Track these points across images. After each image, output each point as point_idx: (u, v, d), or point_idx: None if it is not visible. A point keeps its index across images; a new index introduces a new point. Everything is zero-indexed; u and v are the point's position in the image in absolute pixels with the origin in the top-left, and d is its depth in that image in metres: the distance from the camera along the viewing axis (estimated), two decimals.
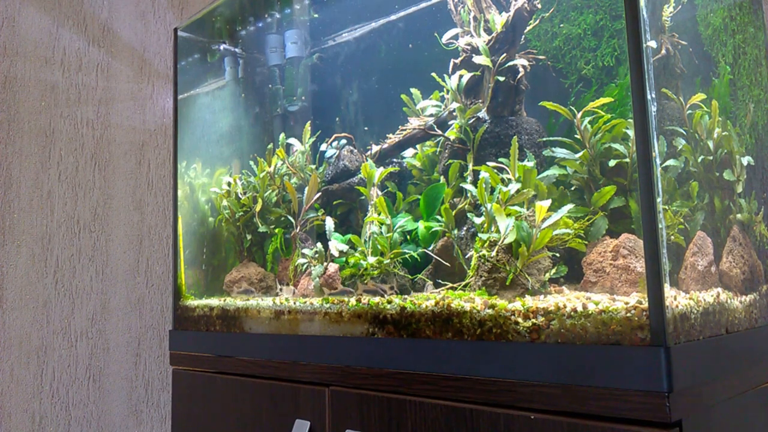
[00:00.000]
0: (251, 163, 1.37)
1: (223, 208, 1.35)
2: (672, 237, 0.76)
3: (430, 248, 1.00)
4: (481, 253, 0.85)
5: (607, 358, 0.62)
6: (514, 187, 0.85)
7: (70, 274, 1.38)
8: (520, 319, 0.71)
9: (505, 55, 0.98)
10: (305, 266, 1.15)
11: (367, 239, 1.05)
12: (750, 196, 0.92)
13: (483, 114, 1.00)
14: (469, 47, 1.02)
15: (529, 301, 0.74)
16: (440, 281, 0.98)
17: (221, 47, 1.49)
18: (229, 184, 1.36)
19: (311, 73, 1.45)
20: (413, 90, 1.14)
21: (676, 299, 0.66)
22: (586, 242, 0.82)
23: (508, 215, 0.84)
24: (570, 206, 0.82)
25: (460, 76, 1.02)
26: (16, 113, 1.37)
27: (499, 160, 0.90)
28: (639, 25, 0.64)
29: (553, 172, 0.88)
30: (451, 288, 0.93)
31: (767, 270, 0.94)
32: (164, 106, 1.58)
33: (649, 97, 0.63)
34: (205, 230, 1.40)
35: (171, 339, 1.25)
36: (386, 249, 1.01)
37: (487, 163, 0.90)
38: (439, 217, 1.00)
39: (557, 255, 0.85)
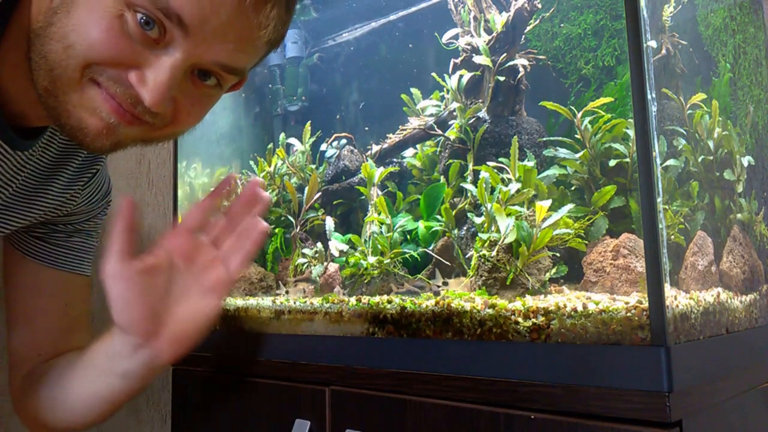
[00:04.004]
0: (251, 162, 1.37)
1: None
2: (672, 237, 0.76)
3: (430, 248, 1.00)
4: (481, 253, 0.85)
5: (608, 358, 0.62)
6: (514, 186, 0.85)
7: None
8: (520, 319, 0.71)
9: (505, 54, 0.98)
10: (305, 266, 1.15)
11: (367, 239, 1.05)
12: (750, 196, 0.92)
13: (483, 114, 1.00)
14: (469, 47, 1.02)
15: (530, 301, 0.74)
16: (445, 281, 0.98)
17: None
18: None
19: (311, 73, 1.45)
20: (413, 90, 1.14)
21: (676, 299, 0.66)
22: (586, 242, 0.82)
23: (509, 215, 0.84)
24: (570, 206, 0.82)
25: (460, 76, 1.02)
26: None
27: (499, 159, 0.90)
28: (639, 25, 0.64)
29: (553, 171, 0.88)
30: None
31: (767, 270, 0.94)
32: None
33: (649, 96, 0.63)
34: None
35: None
36: (386, 249, 1.01)
37: (487, 162, 0.91)
38: (439, 217, 1.00)
39: (557, 255, 0.85)
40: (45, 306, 0.85)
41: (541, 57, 1.01)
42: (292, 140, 1.31)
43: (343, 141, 1.28)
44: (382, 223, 1.05)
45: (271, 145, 1.33)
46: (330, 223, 1.12)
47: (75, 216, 0.85)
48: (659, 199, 0.63)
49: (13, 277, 0.85)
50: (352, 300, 0.92)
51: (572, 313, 0.67)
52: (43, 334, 0.85)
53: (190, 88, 0.60)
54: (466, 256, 0.93)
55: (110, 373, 0.73)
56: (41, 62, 0.56)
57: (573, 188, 0.88)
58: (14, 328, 0.86)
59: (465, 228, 0.96)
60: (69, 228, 0.85)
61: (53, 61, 0.55)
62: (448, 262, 0.98)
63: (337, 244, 1.09)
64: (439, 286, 0.95)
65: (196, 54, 0.56)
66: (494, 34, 0.98)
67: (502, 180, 0.88)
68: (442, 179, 1.03)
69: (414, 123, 1.12)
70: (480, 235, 0.86)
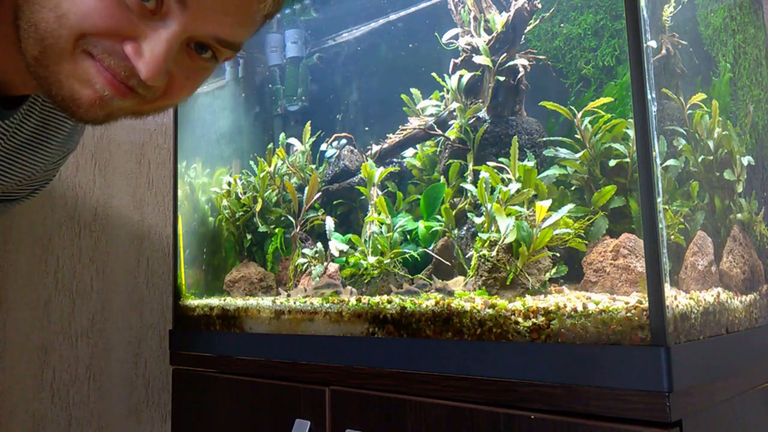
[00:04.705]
0: (251, 162, 1.37)
1: (223, 207, 1.35)
2: (672, 237, 0.76)
3: (430, 248, 1.00)
4: (481, 253, 0.85)
5: (608, 358, 0.62)
6: (514, 186, 0.85)
7: (71, 274, 1.38)
8: (520, 319, 0.71)
9: (505, 54, 0.97)
10: (305, 266, 1.15)
11: (367, 239, 1.05)
12: (750, 196, 0.92)
13: (483, 114, 1.00)
14: (469, 47, 1.02)
15: (530, 301, 0.74)
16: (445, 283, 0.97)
17: None
18: (229, 183, 1.36)
19: (311, 73, 1.45)
20: (413, 90, 1.14)
21: (676, 299, 0.66)
22: (586, 242, 0.82)
23: (509, 215, 0.84)
24: (570, 206, 0.82)
25: (460, 76, 1.02)
26: None
27: (499, 159, 0.90)
28: (639, 25, 0.64)
29: (554, 171, 0.88)
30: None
31: (767, 270, 0.94)
32: None
33: (649, 96, 0.63)
34: (205, 230, 1.40)
35: (171, 338, 1.25)
36: (386, 249, 1.01)
37: (488, 162, 0.90)
38: (439, 217, 1.00)
39: (557, 255, 0.85)
40: None
41: (541, 57, 1.01)
42: (292, 140, 1.31)
43: (343, 141, 1.28)
44: (382, 223, 1.05)
45: (271, 145, 1.33)
46: (330, 223, 1.12)
47: (19, 193, 0.82)
48: (659, 199, 0.63)
49: None
50: (352, 300, 0.92)
51: (572, 313, 0.67)
52: None
53: (185, 61, 0.58)
54: (466, 256, 0.93)
55: None
56: (30, 30, 0.53)
57: (573, 188, 0.87)
58: None
59: (465, 228, 0.95)
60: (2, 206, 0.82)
61: (44, 30, 0.52)
62: (448, 262, 0.97)
63: (337, 244, 1.09)
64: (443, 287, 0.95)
65: (194, 27, 0.55)
66: (494, 34, 0.98)
67: (502, 180, 0.88)
68: (442, 179, 1.03)
69: (414, 123, 1.12)
70: (480, 235, 0.86)
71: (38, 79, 0.56)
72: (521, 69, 0.97)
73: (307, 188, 1.21)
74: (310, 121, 1.30)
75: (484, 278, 0.84)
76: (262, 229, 1.28)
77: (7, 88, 0.65)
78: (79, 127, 0.82)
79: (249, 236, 1.31)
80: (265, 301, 1.08)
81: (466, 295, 0.83)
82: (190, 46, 0.58)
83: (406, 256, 1.01)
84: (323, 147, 1.30)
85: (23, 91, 0.67)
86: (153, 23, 0.54)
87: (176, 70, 0.58)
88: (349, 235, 1.10)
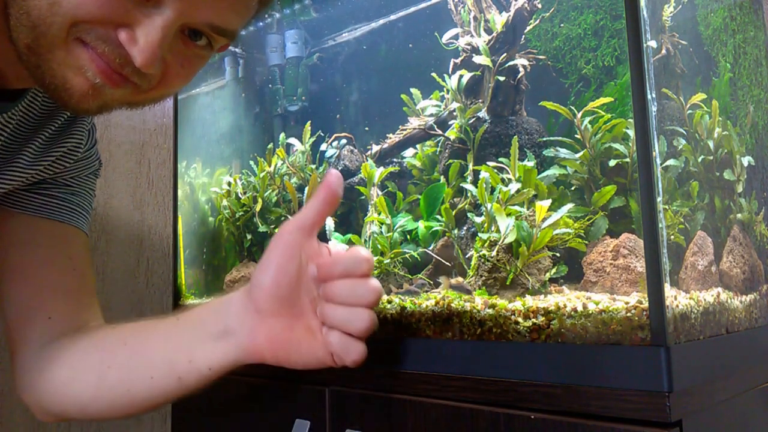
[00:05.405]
0: (251, 162, 1.37)
1: (223, 207, 1.35)
2: (672, 237, 0.76)
3: (430, 248, 1.00)
4: (481, 253, 0.85)
5: (608, 358, 0.62)
6: (514, 186, 0.85)
7: None
8: (520, 319, 0.71)
9: (505, 55, 0.97)
10: None
11: (367, 239, 1.05)
12: (750, 196, 0.92)
13: (483, 114, 1.00)
14: (469, 47, 1.02)
15: (530, 301, 0.74)
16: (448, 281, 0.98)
17: None
18: (229, 183, 1.36)
19: (311, 73, 1.45)
20: (413, 90, 1.14)
21: (676, 299, 0.66)
22: (586, 242, 0.82)
23: (509, 215, 0.84)
24: (570, 206, 0.82)
25: (460, 76, 1.02)
26: None
27: (499, 159, 0.90)
28: (639, 25, 0.64)
29: (553, 171, 0.88)
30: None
31: (767, 270, 0.94)
32: (164, 106, 1.58)
33: (649, 96, 0.63)
34: (205, 230, 1.40)
35: None
36: (386, 249, 1.01)
37: (488, 162, 0.90)
38: (439, 217, 1.00)
39: (557, 255, 0.85)
40: (45, 257, 0.76)
41: (541, 57, 1.01)
42: (292, 140, 1.31)
43: (343, 141, 1.28)
44: (382, 223, 1.05)
45: (271, 145, 1.33)
46: (330, 223, 1.12)
47: (59, 174, 0.79)
48: (659, 199, 0.63)
49: (1, 236, 0.76)
50: None
51: (572, 313, 0.67)
52: (50, 293, 0.76)
53: (180, 48, 0.58)
54: (466, 256, 0.93)
55: (174, 362, 0.68)
56: (22, 18, 0.52)
57: (573, 188, 0.87)
58: (9, 283, 0.74)
59: (465, 228, 0.96)
60: (57, 182, 0.80)
61: (36, 18, 0.51)
62: (448, 262, 0.97)
63: (336, 244, 1.09)
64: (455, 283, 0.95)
65: (188, 13, 0.54)
66: (494, 34, 0.98)
67: (502, 180, 0.88)
68: (442, 179, 1.03)
69: (414, 123, 1.12)
70: (480, 235, 0.86)
71: (31, 68, 0.55)
72: (521, 69, 0.97)
73: (307, 188, 1.21)
74: (310, 121, 1.30)
75: (484, 278, 0.84)
76: (262, 229, 1.28)
77: (2, 81, 0.64)
78: (84, 123, 0.82)
79: (249, 236, 1.31)
80: None
81: (461, 295, 0.83)
82: (184, 33, 0.57)
83: (406, 256, 1.01)
84: (323, 147, 1.30)
85: (16, 85, 0.66)
86: (147, 10, 0.53)
87: (171, 57, 0.58)
88: (349, 235, 1.10)
